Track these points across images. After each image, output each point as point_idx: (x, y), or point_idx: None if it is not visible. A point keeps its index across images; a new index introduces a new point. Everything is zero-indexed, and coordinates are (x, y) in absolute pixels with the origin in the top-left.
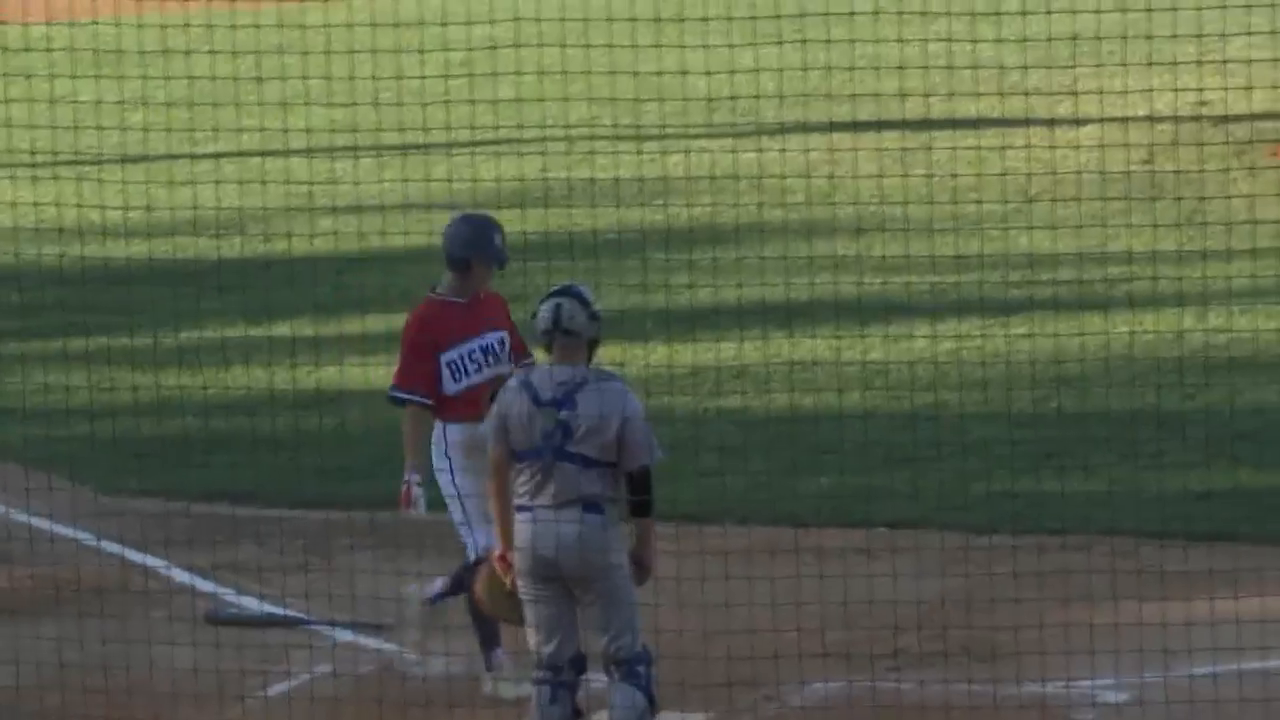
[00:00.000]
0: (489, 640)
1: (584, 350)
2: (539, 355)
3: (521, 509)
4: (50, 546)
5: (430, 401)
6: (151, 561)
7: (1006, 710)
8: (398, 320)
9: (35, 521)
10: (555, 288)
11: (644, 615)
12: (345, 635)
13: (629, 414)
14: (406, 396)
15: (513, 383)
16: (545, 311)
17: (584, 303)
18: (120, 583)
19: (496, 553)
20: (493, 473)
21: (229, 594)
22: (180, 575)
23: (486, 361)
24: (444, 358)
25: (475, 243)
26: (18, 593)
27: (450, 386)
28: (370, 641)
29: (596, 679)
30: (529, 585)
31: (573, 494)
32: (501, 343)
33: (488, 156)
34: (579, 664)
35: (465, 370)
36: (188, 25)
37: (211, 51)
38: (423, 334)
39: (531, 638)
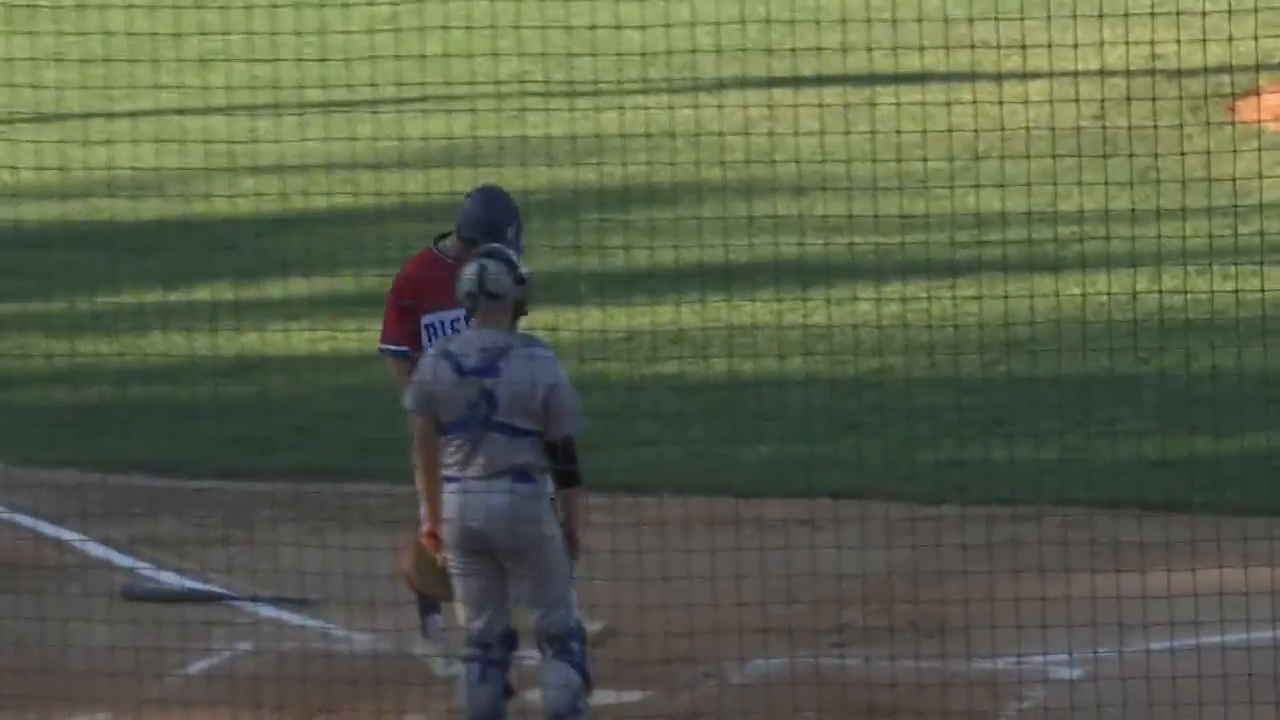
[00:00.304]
0: (428, 606)
1: (509, 314)
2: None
3: (450, 480)
4: None
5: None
6: (66, 535)
7: (955, 687)
8: (321, 284)
9: None
10: (480, 249)
11: (578, 589)
12: (268, 611)
13: (555, 380)
14: (386, 347)
15: (432, 350)
16: (468, 273)
17: (509, 265)
18: (34, 558)
19: (425, 527)
20: (418, 445)
21: (147, 569)
22: (96, 549)
23: None
24: (424, 319)
25: (487, 230)
26: None
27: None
28: (294, 618)
29: (529, 656)
30: (458, 558)
31: (503, 464)
32: None
33: (415, 114)
34: (510, 640)
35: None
36: None
37: (128, 6)
38: (402, 295)
39: (461, 613)
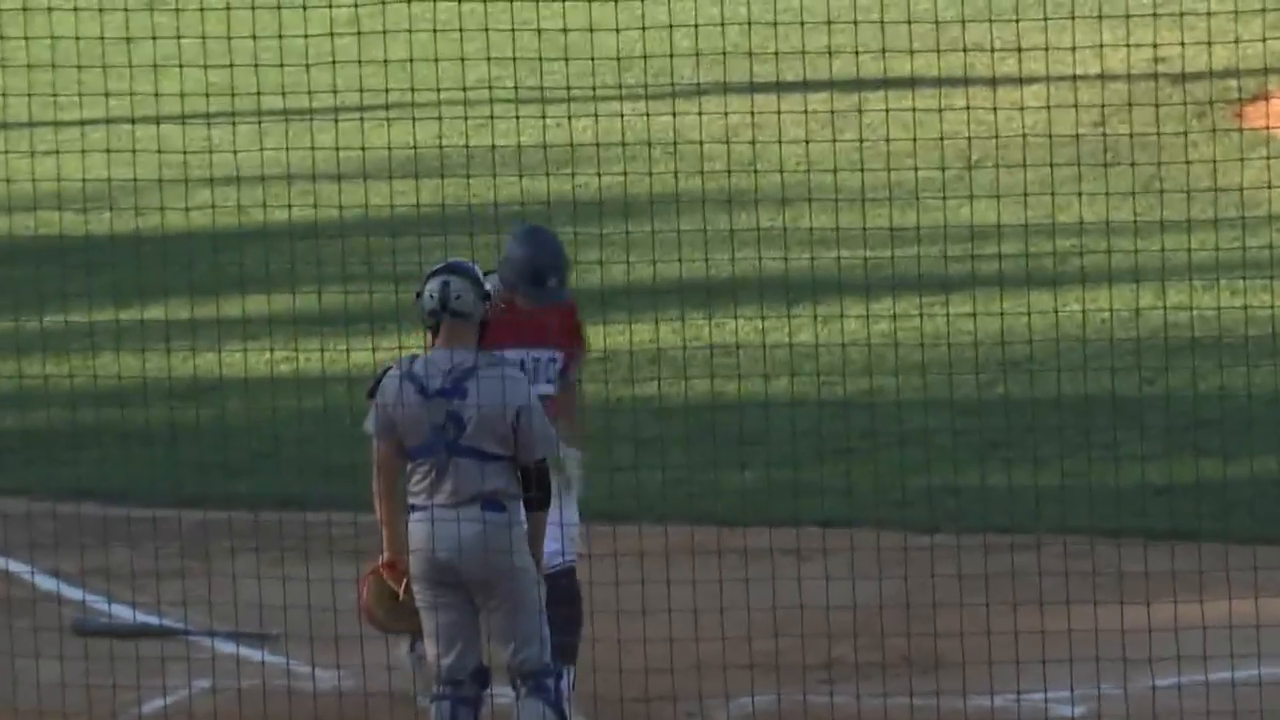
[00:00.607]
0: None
1: (474, 333)
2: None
3: (416, 509)
4: None
5: None
6: (14, 566)
7: None
8: (280, 301)
9: None
10: (440, 263)
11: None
12: (227, 647)
13: (524, 402)
14: None
15: (394, 371)
16: (431, 289)
17: (474, 280)
18: None
19: (384, 559)
20: (377, 472)
21: (99, 602)
22: (45, 582)
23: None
24: None
25: (526, 276)
26: None
27: None
28: (254, 653)
29: (501, 694)
30: (426, 591)
31: (472, 491)
32: (548, 361)
33: (378, 122)
34: (482, 677)
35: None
36: None
37: (76, 9)
38: None
39: (430, 649)
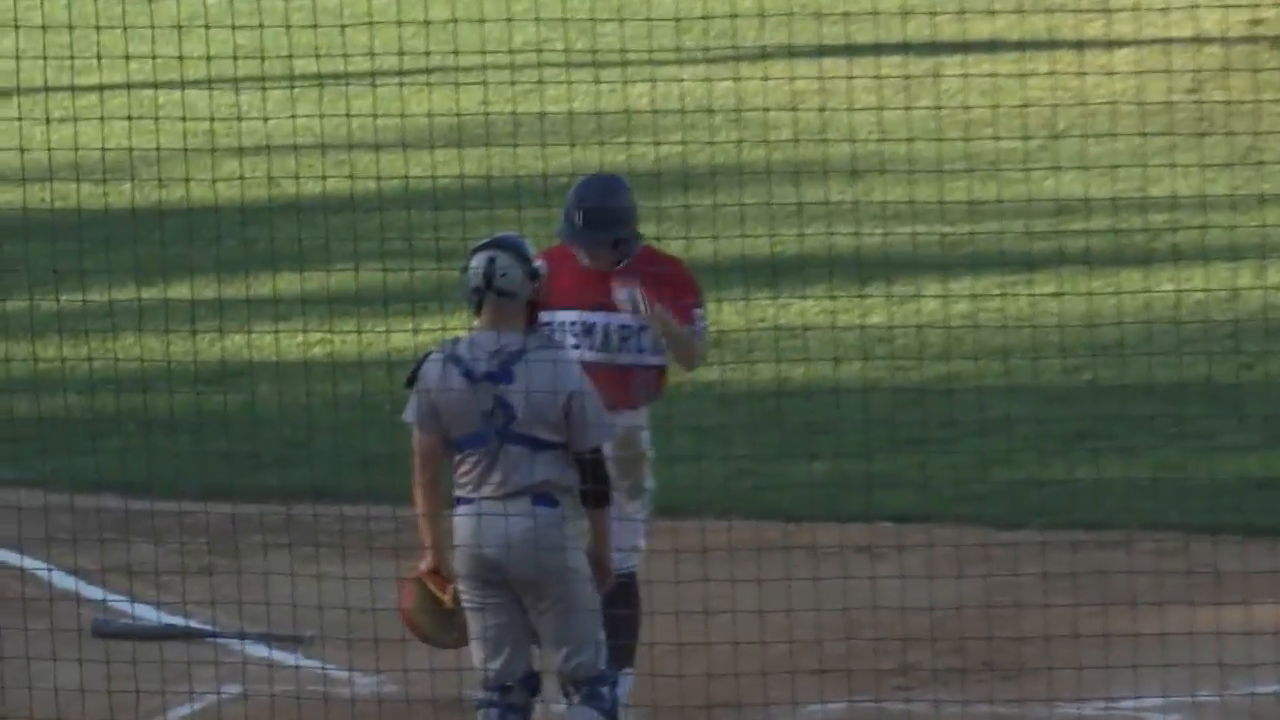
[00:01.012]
0: None
1: (521, 314)
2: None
3: (462, 501)
4: None
5: None
6: (29, 564)
7: None
8: (314, 279)
9: None
10: (487, 238)
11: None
12: (257, 650)
13: (578, 386)
14: None
15: (436, 355)
16: (476, 265)
17: (522, 257)
18: None
19: (425, 564)
20: (419, 466)
21: (120, 602)
22: (63, 580)
23: (589, 343)
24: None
25: (564, 214)
26: None
27: None
28: (287, 657)
29: (553, 701)
30: (472, 591)
31: (522, 483)
32: (618, 330)
33: (419, 87)
34: (531, 683)
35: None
36: None
37: None
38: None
39: (476, 653)
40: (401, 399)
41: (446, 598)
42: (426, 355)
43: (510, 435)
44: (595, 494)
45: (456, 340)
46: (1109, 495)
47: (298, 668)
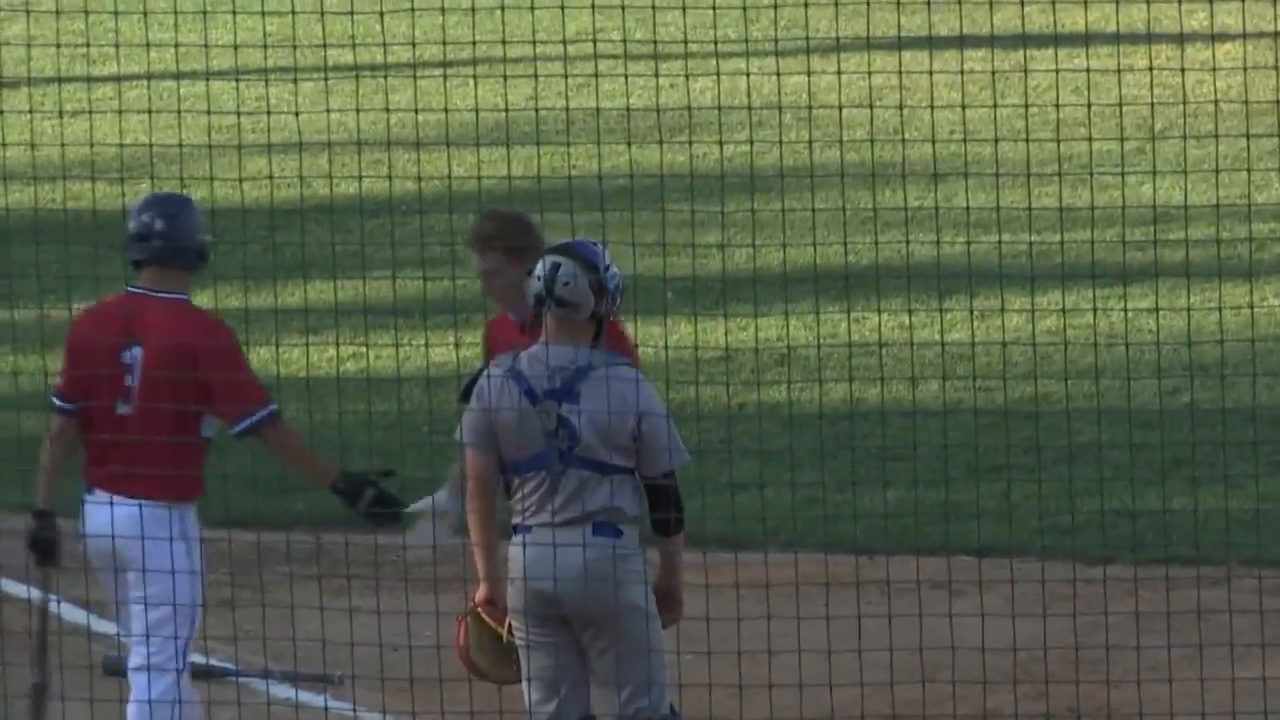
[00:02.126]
0: None
1: (586, 328)
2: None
3: (518, 529)
4: None
5: None
6: (36, 595)
7: None
8: (348, 288)
9: None
10: (556, 244)
11: (669, 666)
12: (283, 691)
13: (648, 406)
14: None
15: (496, 371)
16: (539, 272)
17: (589, 266)
18: None
19: (481, 595)
20: (474, 490)
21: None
22: (73, 613)
23: None
24: None
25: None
26: None
27: None
28: (315, 699)
29: None
30: (524, 626)
31: (583, 509)
32: None
33: (463, 80)
34: None
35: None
36: None
37: None
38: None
39: (528, 693)
40: (441, 418)
41: (504, 632)
42: (480, 369)
43: (573, 458)
44: (675, 521)
45: (517, 355)
46: (1207, 528)
47: (326, 710)
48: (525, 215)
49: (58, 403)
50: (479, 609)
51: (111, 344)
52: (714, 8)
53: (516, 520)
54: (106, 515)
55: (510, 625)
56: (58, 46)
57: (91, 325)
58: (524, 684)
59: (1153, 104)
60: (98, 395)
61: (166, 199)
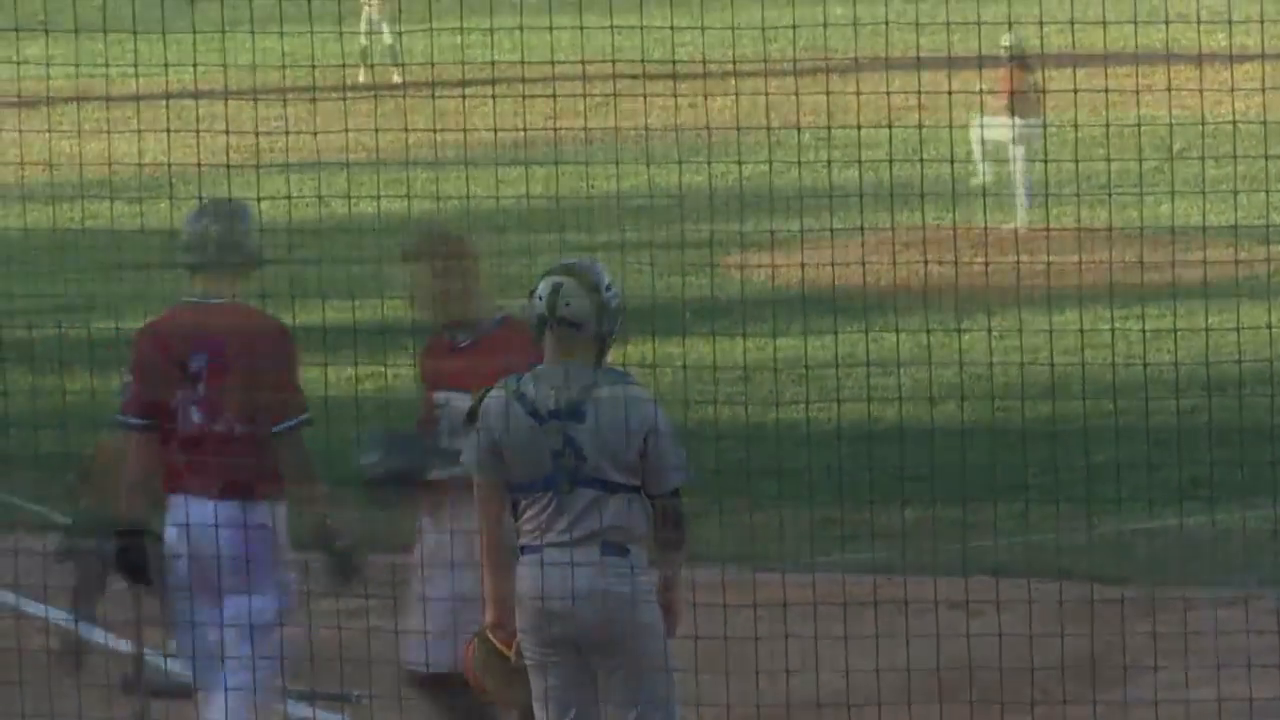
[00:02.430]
0: None
1: (591, 347)
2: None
3: (525, 550)
4: None
5: None
6: (54, 614)
7: None
8: (367, 308)
9: None
10: (558, 263)
11: (681, 686)
12: (300, 710)
13: (654, 425)
14: None
15: (499, 393)
16: (541, 291)
17: (592, 286)
18: (13, 641)
19: (490, 617)
20: (481, 514)
21: (152, 655)
22: (91, 631)
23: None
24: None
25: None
26: None
27: None
28: (332, 718)
29: None
30: (534, 648)
31: (592, 528)
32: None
33: (482, 99)
34: None
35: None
36: None
37: None
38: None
39: (538, 715)
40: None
41: (511, 654)
42: (486, 391)
43: (580, 478)
44: (675, 539)
45: (521, 376)
46: (1226, 549)
47: None
48: (451, 229)
49: (133, 420)
50: (486, 631)
51: (178, 354)
52: (732, 28)
53: (524, 541)
54: (203, 514)
55: (518, 648)
56: (76, 65)
57: (154, 341)
58: (535, 705)
59: (1171, 124)
60: (169, 408)
61: (222, 205)
